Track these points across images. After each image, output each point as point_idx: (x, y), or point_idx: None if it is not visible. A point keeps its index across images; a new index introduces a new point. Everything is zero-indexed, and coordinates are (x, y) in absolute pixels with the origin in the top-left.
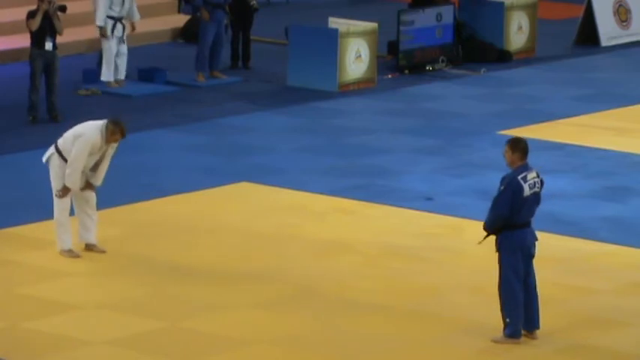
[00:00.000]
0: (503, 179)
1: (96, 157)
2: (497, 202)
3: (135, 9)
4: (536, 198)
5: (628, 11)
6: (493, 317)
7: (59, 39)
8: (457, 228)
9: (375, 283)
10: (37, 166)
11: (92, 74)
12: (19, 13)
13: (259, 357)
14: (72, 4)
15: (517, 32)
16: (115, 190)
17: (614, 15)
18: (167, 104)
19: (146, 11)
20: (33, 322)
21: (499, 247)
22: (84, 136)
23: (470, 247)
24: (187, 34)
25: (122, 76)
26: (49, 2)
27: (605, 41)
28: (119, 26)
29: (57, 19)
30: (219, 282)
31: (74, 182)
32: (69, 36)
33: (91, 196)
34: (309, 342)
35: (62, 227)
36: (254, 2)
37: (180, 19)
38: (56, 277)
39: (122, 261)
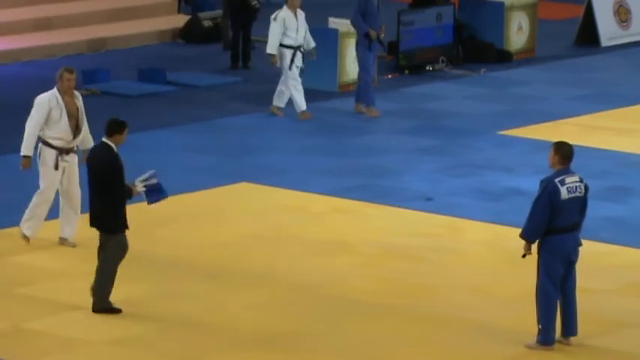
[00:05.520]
0: (541, 182)
1: (60, 112)
2: (535, 208)
3: (309, 36)
4: (578, 203)
5: (628, 11)
6: (493, 317)
7: (59, 38)
8: (457, 228)
9: (375, 283)
10: (36, 166)
11: (91, 74)
12: (19, 13)
13: (259, 357)
14: (72, 4)
15: (517, 32)
16: None
17: (614, 15)
18: (167, 104)
19: (146, 11)
20: (33, 322)
21: (538, 250)
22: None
23: (470, 247)
24: (187, 34)
25: (283, 104)
26: None
27: (605, 41)
28: (298, 54)
29: None
30: (219, 282)
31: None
32: (69, 36)
33: (75, 195)
34: (309, 342)
35: (37, 216)
36: (255, 2)
37: (180, 19)
38: (56, 277)
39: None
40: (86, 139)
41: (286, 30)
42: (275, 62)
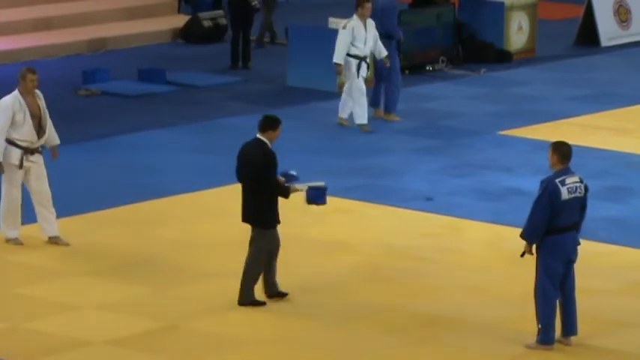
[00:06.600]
0: (541, 183)
1: (24, 114)
2: (535, 209)
3: (380, 45)
4: (578, 203)
5: (628, 11)
6: (493, 317)
7: (59, 38)
8: (457, 228)
9: (375, 283)
10: None
11: (91, 74)
12: (19, 13)
13: (259, 357)
14: (72, 4)
15: (517, 32)
16: (115, 190)
17: (614, 15)
18: (167, 104)
19: (146, 11)
20: (33, 322)
21: (537, 250)
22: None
23: (470, 247)
24: (187, 34)
25: (347, 115)
26: None
27: (605, 41)
28: (364, 65)
29: None
30: (219, 282)
31: None
32: (69, 36)
33: (46, 195)
34: (309, 342)
35: (12, 216)
36: (255, 2)
37: (181, 19)
38: (55, 277)
39: (122, 261)
40: (51, 137)
41: (354, 40)
42: (340, 72)
